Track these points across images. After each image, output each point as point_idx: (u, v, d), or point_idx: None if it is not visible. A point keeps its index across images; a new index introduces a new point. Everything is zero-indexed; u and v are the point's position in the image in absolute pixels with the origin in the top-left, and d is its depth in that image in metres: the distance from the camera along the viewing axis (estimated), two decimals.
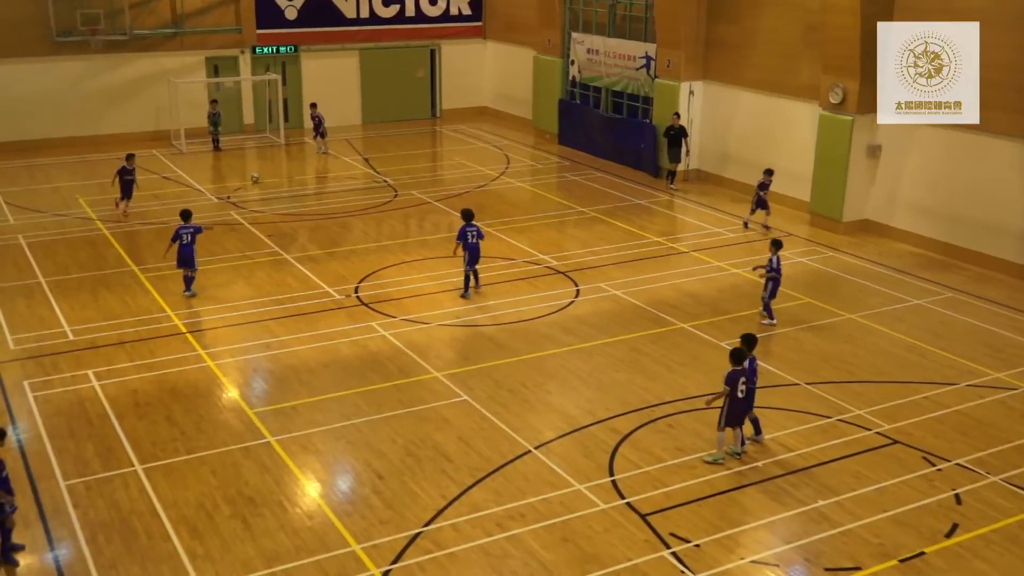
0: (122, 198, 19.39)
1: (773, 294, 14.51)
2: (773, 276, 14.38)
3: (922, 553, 9.33)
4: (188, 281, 15.43)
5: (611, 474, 10.58)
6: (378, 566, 8.99)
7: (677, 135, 21.95)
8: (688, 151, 22.14)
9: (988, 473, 10.71)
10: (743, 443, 10.90)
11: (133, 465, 10.63)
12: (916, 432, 11.57)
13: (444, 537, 9.44)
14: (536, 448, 11.10)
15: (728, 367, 10.73)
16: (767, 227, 19.03)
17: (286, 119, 27.06)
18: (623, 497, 10.15)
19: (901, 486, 10.45)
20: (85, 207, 20.34)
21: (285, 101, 27.58)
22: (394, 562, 9.06)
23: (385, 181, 22.93)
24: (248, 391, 12.54)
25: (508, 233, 18.96)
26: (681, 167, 22.51)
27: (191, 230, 15.38)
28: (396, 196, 21.68)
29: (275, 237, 18.56)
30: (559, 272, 16.97)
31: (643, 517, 9.79)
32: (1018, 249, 16.87)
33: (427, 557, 9.13)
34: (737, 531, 9.64)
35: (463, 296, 15.50)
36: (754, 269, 15.33)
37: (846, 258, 17.84)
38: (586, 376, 12.99)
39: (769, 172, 19.13)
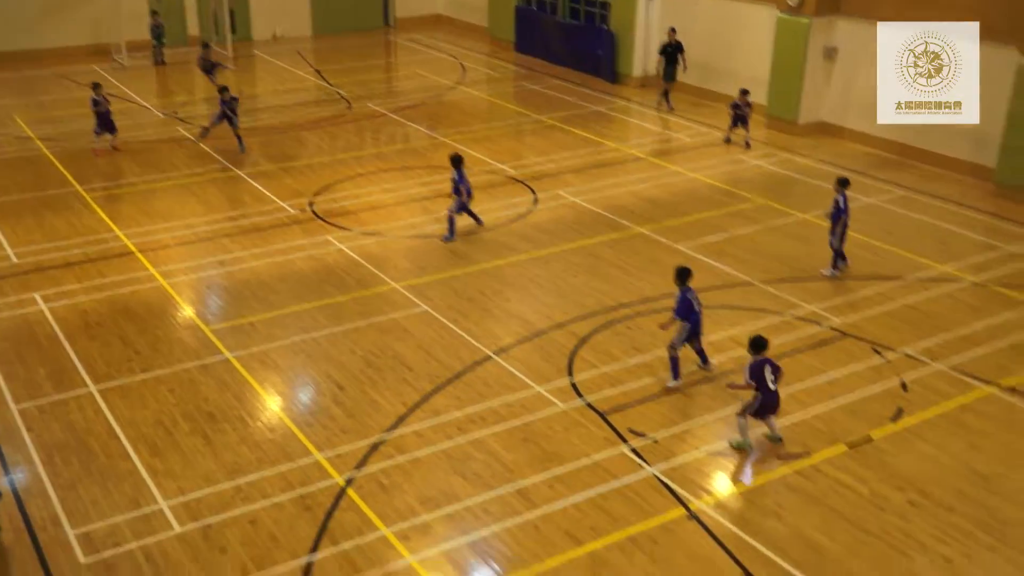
0: (106, 133, 17.63)
1: (842, 238, 13.03)
2: (841, 218, 12.92)
3: (869, 438, 9.67)
4: (240, 140, 17.97)
5: (570, 375, 10.73)
6: (341, 473, 9.09)
7: (674, 52, 20.65)
8: (686, 67, 20.75)
9: (933, 361, 11.05)
10: (774, 432, 9.60)
11: (87, 386, 10.52)
12: (866, 325, 11.84)
13: (406, 443, 9.55)
14: (496, 354, 11.18)
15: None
16: (748, 144, 18.36)
17: (233, 30, 25.98)
18: (582, 397, 10.32)
19: (851, 376, 10.75)
20: (23, 126, 19.55)
21: (232, 12, 26.40)
22: (357, 468, 9.17)
23: (338, 93, 22.31)
24: (203, 308, 12.39)
25: (465, 143, 18.65)
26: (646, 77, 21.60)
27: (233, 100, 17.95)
28: (350, 108, 21.14)
29: (226, 152, 18.07)
30: (517, 180, 16.81)
31: (602, 415, 9.98)
32: (969, 147, 17.01)
33: (390, 463, 9.25)
34: (692, 424, 9.89)
35: (446, 240, 14.11)
36: (827, 216, 13.32)
37: (801, 160, 17.88)
38: (545, 282, 13.02)
39: (744, 92, 18.17)
